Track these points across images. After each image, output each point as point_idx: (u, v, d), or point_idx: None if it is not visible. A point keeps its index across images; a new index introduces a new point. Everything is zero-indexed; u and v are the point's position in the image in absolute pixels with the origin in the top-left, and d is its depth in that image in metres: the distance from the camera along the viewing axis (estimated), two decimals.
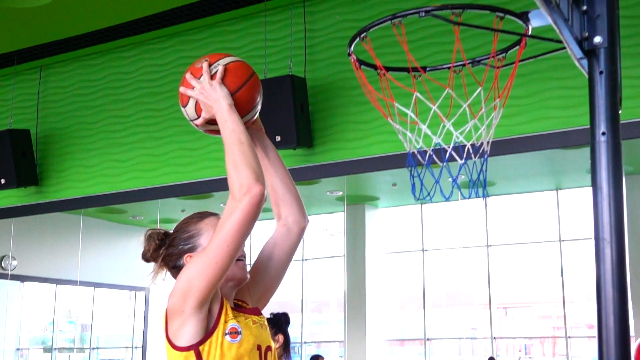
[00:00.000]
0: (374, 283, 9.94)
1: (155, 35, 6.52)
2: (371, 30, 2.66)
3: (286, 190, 2.35)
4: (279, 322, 4.66)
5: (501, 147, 4.81)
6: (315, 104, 5.68)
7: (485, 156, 2.82)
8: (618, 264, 1.91)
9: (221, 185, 6.02)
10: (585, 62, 2.00)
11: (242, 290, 2.27)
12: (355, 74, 2.84)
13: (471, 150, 2.82)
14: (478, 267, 10.22)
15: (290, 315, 4.87)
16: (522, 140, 4.97)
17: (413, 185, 2.83)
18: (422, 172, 2.89)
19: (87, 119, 6.84)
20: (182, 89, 2.21)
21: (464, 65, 2.76)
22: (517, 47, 2.62)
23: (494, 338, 10.31)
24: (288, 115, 5.37)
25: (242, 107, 2.17)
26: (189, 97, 2.20)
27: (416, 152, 2.87)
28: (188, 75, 2.20)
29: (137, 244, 10.63)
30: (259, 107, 2.26)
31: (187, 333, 2.04)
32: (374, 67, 2.79)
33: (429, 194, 2.82)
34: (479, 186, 2.91)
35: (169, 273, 2.23)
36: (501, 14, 2.48)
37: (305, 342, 10.72)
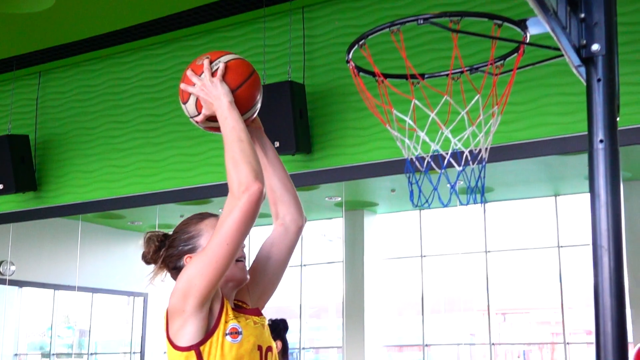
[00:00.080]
0: (372, 289, 9.93)
1: (154, 41, 6.53)
2: (370, 37, 2.67)
3: (284, 190, 2.36)
4: (278, 329, 4.67)
5: (499, 154, 4.82)
6: (314, 109, 5.68)
7: (484, 163, 2.83)
8: (616, 271, 1.91)
9: (220, 190, 6.02)
10: (583, 69, 2.01)
11: (242, 290, 2.27)
12: (354, 81, 2.85)
13: (469, 157, 2.83)
14: (476, 273, 10.21)
15: (288, 321, 4.88)
16: (520, 147, 4.98)
17: (411, 192, 2.84)
18: (420, 179, 2.90)
19: (86, 125, 6.84)
20: (182, 86, 2.22)
21: (462, 72, 2.76)
22: (515, 54, 2.62)
23: (493, 344, 10.30)
24: (287, 121, 5.37)
25: (242, 105, 2.18)
26: (189, 94, 2.22)
27: (414, 159, 2.88)
28: (189, 72, 2.21)
29: (135, 249, 10.57)
30: (258, 105, 2.27)
31: (188, 333, 2.05)
32: (373, 74, 2.80)
33: (427, 201, 2.82)
34: (477, 192, 2.91)
35: (168, 275, 2.24)
36: (499, 22, 2.49)
37: (303, 348, 10.71)
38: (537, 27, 2.33)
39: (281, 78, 5.66)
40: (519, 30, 2.43)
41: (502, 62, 2.69)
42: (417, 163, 2.89)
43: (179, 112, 6.33)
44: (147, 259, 2.23)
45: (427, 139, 2.84)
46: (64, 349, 11.46)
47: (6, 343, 10.31)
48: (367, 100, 2.88)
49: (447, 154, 2.84)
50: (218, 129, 2.20)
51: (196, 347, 2.05)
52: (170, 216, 9.37)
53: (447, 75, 2.76)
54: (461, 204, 2.91)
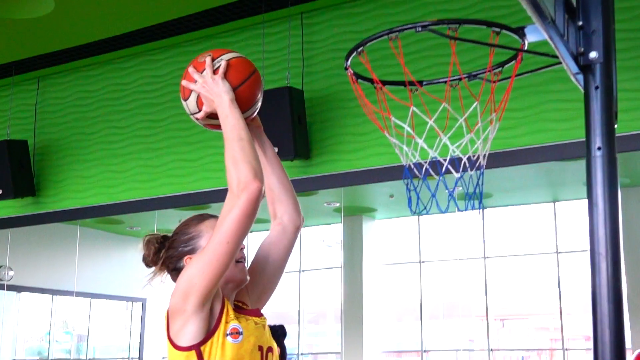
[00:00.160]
0: (371, 294, 9.92)
1: (153, 47, 6.54)
2: (368, 44, 2.68)
3: (282, 189, 2.37)
4: (276, 334, 4.65)
5: (498, 160, 4.83)
6: (313, 115, 5.69)
7: (482, 170, 2.83)
8: (613, 278, 1.92)
9: (219, 196, 6.02)
10: (581, 77, 2.01)
11: (241, 291, 2.28)
12: (352, 88, 2.85)
13: (467, 164, 2.83)
14: (475, 279, 10.20)
15: (287, 326, 4.86)
16: (518, 153, 4.98)
17: (409, 199, 2.84)
18: (418, 186, 2.90)
19: (85, 130, 6.84)
20: (184, 83, 2.23)
21: (460, 79, 2.77)
22: (514, 61, 2.63)
23: (491, 350, 10.30)
24: (285, 126, 5.38)
25: (243, 103, 2.19)
26: (190, 91, 2.23)
27: (412, 166, 2.88)
28: (191, 69, 2.22)
29: (134, 254, 10.56)
30: (259, 104, 2.28)
31: (189, 332, 2.05)
32: (371, 80, 2.80)
33: (425, 208, 2.82)
34: (475, 199, 2.91)
35: (167, 279, 2.24)
36: (497, 29, 2.49)
37: (302, 354, 10.69)
38: (535, 34, 2.34)
39: (280, 84, 5.66)
40: (517, 37, 2.44)
41: (500, 69, 2.69)
42: (415, 170, 2.89)
43: (178, 118, 6.35)
44: (148, 261, 2.24)
45: (425, 146, 2.85)
46: (62, 354, 11.44)
47: (4, 348, 10.29)
48: (365, 107, 2.89)
49: (445, 160, 2.84)
50: (218, 126, 2.21)
51: (197, 347, 2.06)
52: (168, 221, 9.36)
53: (446, 82, 2.77)
54: (459, 210, 2.91)
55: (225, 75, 2.19)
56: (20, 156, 6.74)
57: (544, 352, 11.27)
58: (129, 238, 10.12)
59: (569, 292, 9.89)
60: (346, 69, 2.80)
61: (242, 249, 2.19)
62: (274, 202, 2.37)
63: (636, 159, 7.24)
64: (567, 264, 9.85)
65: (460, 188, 2.91)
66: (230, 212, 2.01)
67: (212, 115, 2.21)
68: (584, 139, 2.01)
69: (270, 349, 2.19)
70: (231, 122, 2.12)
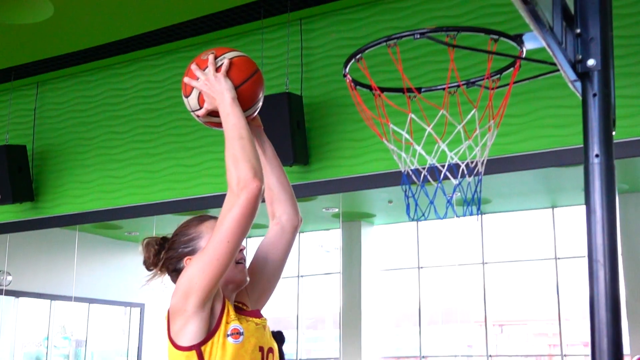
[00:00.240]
0: (369, 300, 9.91)
1: (152, 52, 6.54)
2: (366, 51, 2.68)
3: (281, 188, 2.37)
4: (274, 341, 4.66)
5: (496, 166, 4.83)
6: (312, 121, 5.69)
7: (480, 176, 2.83)
8: (611, 286, 1.91)
9: (217, 202, 6.02)
10: (578, 84, 2.02)
11: (241, 292, 2.28)
12: (351, 95, 2.86)
13: (465, 171, 2.83)
14: (474, 285, 10.20)
15: (285, 332, 4.88)
16: (516, 159, 4.99)
17: (407, 206, 2.84)
18: (416, 192, 2.90)
19: (84, 135, 6.85)
20: (186, 79, 2.23)
21: (458, 86, 2.77)
22: (512, 68, 2.63)
23: (490, 356, 10.28)
24: (284, 132, 5.38)
25: (244, 102, 2.20)
26: (192, 88, 2.23)
27: (410, 172, 2.88)
28: (193, 66, 2.22)
29: (132, 259, 10.62)
30: (260, 104, 2.28)
31: (190, 332, 2.06)
32: (369, 87, 2.81)
33: (423, 214, 2.82)
34: (474, 205, 2.92)
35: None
36: (495, 36, 2.49)
37: (300, 359, 10.68)
38: (534, 42, 2.34)
39: (279, 89, 5.67)
40: (515, 44, 2.44)
41: (498, 76, 2.70)
42: (413, 176, 2.89)
43: (177, 123, 6.36)
44: (149, 263, 2.24)
45: (424, 153, 2.85)
46: (61, 359, 11.42)
47: (2, 353, 10.28)
48: (363, 113, 2.89)
49: (443, 167, 2.85)
50: (218, 124, 2.21)
51: (197, 347, 2.06)
52: (167, 227, 9.35)
53: (444, 88, 2.77)
54: (457, 216, 2.91)
55: (228, 74, 2.19)
56: (19, 161, 6.74)
57: (543, 358, 11.26)
58: (128, 243, 10.11)
59: (568, 298, 9.89)
60: (345, 75, 2.80)
61: (241, 250, 2.19)
62: (273, 202, 2.38)
63: (634, 165, 7.25)
64: (566, 269, 9.85)
65: (459, 194, 2.91)
66: (230, 211, 2.01)
67: (213, 113, 2.22)
68: (582, 145, 2.01)
69: (270, 350, 2.19)
70: (232, 120, 2.12)
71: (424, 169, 2.89)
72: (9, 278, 9.57)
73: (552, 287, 9.92)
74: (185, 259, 2.18)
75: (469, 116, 2.78)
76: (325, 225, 10.03)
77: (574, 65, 1.98)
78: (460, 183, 2.82)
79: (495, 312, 10.51)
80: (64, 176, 6.87)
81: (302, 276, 10.47)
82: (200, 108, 2.23)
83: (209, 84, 2.18)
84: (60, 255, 9.92)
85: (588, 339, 1.94)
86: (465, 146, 2.83)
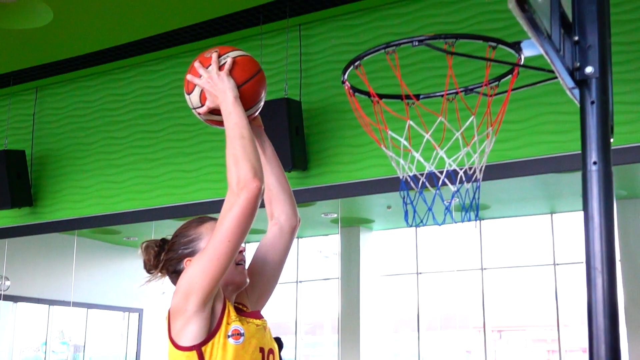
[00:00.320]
0: (368, 305, 9.90)
1: (151, 58, 6.55)
2: (365, 58, 2.69)
3: (280, 188, 2.38)
4: None
5: (495, 172, 4.84)
6: (310, 127, 5.70)
7: (478, 183, 2.83)
8: (609, 293, 1.91)
9: (216, 207, 6.01)
10: (576, 91, 2.02)
11: (241, 293, 2.29)
12: (349, 101, 2.86)
13: (464, 177, 2.84)
14: (473, 290, 10.20)
15: (284, 337, 4.87)
16: (515, 165, 4.99)
17: (406, 212, 2.84)
18: (414, 199, 2.91)
19: (83, 140, 6.85)
20: (189, 77, 2.24)
21: (457, 93, 2.78)
22: (510, 75, 2.64)
23: None
24: (283, 137, 5.38)
25: (246, 101, 2.20)
26: (194, 85, 2.23)
27: (409, 179, 2.88)
28: (196, 64, 2.23)
29: (131, 265, 10.62)
30: (262, 103, 2.29)
31: (190, 332, 2.06)
32: (368, 94, 2.81)
33: (422, 221, 2.83)
34: (472, 211, 2.92)
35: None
36: (494, 44, 2.50)
37: None
38: (532, 49, 2.34)
39: (278, 95, 5.67)
40: (513, 52, 2.45)
41: (496, 83, 2.70)
42: (411, 183, 2.90)
43: (176, 129, 6.36)
44: (150, 266, 2.25)
45: (422, 159, 2.85)
46: None
47: (1, 358, 10.27)
48: (362, 119, 2.90)
49: (441, 174, 2.85)
50: (219, 122, 2.22)
51: (198, 348, 2.06)
52: (166, 232, 9.33)
53: (442, 95, 2.77)
54: (454, 222, 2.91)
55: (231, 72, 2.20)
56: (17, 166, 6.74)
57: None
58: (126, 248, 10.10)
59: (566, 304, 9.89)
60: (343, 82, 2.81)
61: (241, 251, 2.20)
62: (272, 202, 2.39)
63: (633, 171, 7.26)
64: (565, 275, 9.85)
65: (458, 200, 2.91)
66: (230, 210, 2.02)
67: (215, 111, 2.22)
68: (580, 152, 2.01)
69: (271, 351, 2.20)
70: (234, 119, 2.12)
71: (422, 175, 2.89)
72: (8, 283, 9.56)
73: (551, 293, 9.92)
74: (185, 260, 2.18)
75: (467, 123, 2.78)
76: (324, 230, 10.03)
77: (572, 73, 1.98)
78: (458, 190, 2.83)
79: (494, 318, 10.50)
80: (63, 181, 6.87)
81: (300, 281, 10.47)
82: (202, 106, 2.23)
83: (212, 82, 2.19)
84: (58, 261, 9.92)
85: (586, 345, 1.94)
86: (463, 153, 2.83)
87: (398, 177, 3.02)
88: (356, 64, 2.69)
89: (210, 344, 2.06)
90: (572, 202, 9.20)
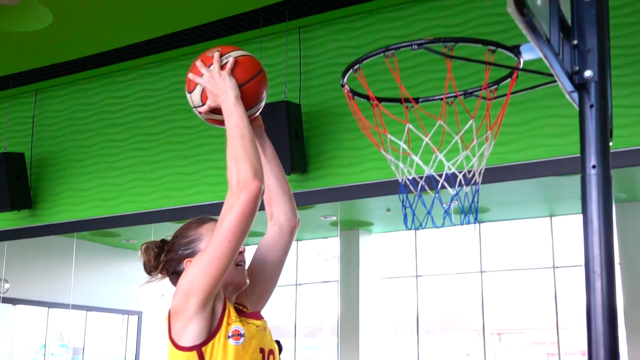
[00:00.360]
0: (367, 308, 9.90)
1: (150, 60, 6.55)
2: (364, 62, 2.69)
3: (280, 188, 2.38)
4: None
5: (494, 175, 4.84)
6: (310, 129, 5.70)
7: (477, 187, 2.83)
8: (608, 297, 1.91)
9: (215, 210, 6.01)
10: (575, 95, 2.02)
11: (241, 294, 2.29)
12: (349, 105, 2.86)
13: (463, 181, 2.84)
14: (472, 293, 10.19)
15: (283, 340, 4.87)
16: (515, 168, 4.99)
17: (405, 216, 2.84)
18: (414, 202, 2.91)
19: (82, 143, 6.85)
20: (190, 75, 2.24)
21: (456, 96, 2.78)
22: (509, 79, 2.64)
23: None
24: (283, 140, 5.38)
25: (248, 101, 2.21)
26: (196, 84, 2.24)
27: (408, 183, 2.88)
28: (198, 63, 2.23)
29: (130, 267, 10.61)
30: (263, 103, 2.30)
31: (191, 333, 2.06)
32: (367, 97, 2.81)
33: (421, 224, 2.83)
34: (471, 214, 2.92)
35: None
36: (493, 48, 2.50)
37: None
38: (531, 52, 2.35)
39: (277, 98, 5.67)
40: (512, 55, 2.45)
41: (496, 86, 2.70)
42: (410, 186, 2.90)
43: (175, 131, 6.36)
44: (150, 267, 2.25)
45: (421, 163, 2.85)
46: None
47: None
48: (361, 122, 2.90)
49: (440, 177, 2.85)
50: (219, 122, 2.22)
51: (198, 348, 2.06)
52: (165, 235, 9.33)
53: (441, 99, 2.77)
54: (453, 225, 2.92)
55: (232, 72, 2.20)
56: (17, 169, 6.74)
57: None
58: (126, 251, 10.10)
59: (566, 307, 9.88)
60: (342, 86, 2.81)
61: (241, 252, 2.20)
62: (271, 203, 2.39)
63: (632, 174, 7.26)
64: (564, 278, 9.85)
65: (457, 202, 2.91)
66: (231, 210, 2.02)
67: (216, 111, 2.23)
68: (579, 155, 2.02)
69: (271, 352, 2.20)
70: (235, 119, 2.13)
71: (421, 178, 2.89)
72: (7, 285, 9.55)
73: (550, 295, 9.92)
74: (185, 261, 2.18)
75: (466, 127, 2.78)
76: (323, 233, 10.03)
77: (571, 77, 1.98)
78: (457, 193, 2.83)
79: (494, 321, 10.50)
80: (62, 184, 6.87)
81: (300, 284, 10.46)
82: (203, 105, 2.24)
83: (213, 81, 2.19)
84: (58, 263, 9.91)
85: (586, 349, 1.94)
86: (462, 156, 2.83)
87: (397, 180, 3.02)
88: (355, 67, 2.69)
89: (210, 344, 2.07)
90: (572, 205, 9.20)
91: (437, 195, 2.81)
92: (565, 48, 2.00)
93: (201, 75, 2.22)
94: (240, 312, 2.21)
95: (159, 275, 2.26)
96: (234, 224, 2.01)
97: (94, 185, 6.69)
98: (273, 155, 2.40)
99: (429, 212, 2.82)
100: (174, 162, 6.29)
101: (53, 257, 9.87)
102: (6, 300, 9.71)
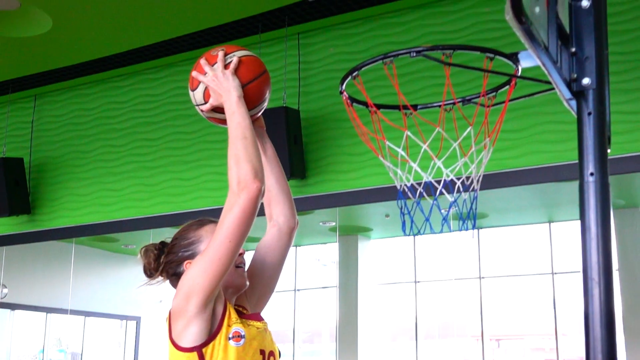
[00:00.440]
0: (366, 314, 9.90)
1: (149, 66, 6.56)
2: (363, 69, 2.70)
3: (279, 189, 2.38)
4: None
5: (493, 181, 4.84)
6: (309, 135, 5.70)
7: (475, 193, 2.84)
8: (606, 304, 1.92)
9: (214, 215, 6.01)
10: (573, 102, 2.02)
11: (240, 296, 2.29)
12: (347, 112, 2.87)
13: (461, 188, 2.84)
14: (470, 299, 10.19)
15: (282, 345, 4.85)
16: (513, 174, 5.00)
17: (403, 223, 2.84)
18: (412, 209, 2.91)
19: (81, 148, 6.85)
20: (194, 73, 2.25)
21: (454, 103, 2.78)
22: (507, 86, 2.64)
23: None
24: (282, 146, 5.39)
25: (250, 100, 2.21)
26: (199, 82, 2.24)
27: (406, 189, 2.89)
28: (202, 61, 2.24)
29: (129, 272, 10.60)
30: (265, 104, 2.30)
31: (191, 334, 2.06)
32: (366, 104, 2.82)
33: (419, 231, 2.83)
34: (469, 220, 2.92)
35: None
36: (491, 55, 2.51)
37: None
38: (529, 60, 2.35)
39: (276, 103, 5.68)
40: (511, 63, 2.45)
41: (494, 94, 2.70)
42: (409, 193, 2.90)
43: (174, 137, 6.36)
44: (150, 269, 2.25)
45: (420, 170, 2.86)
46: None
47: None
48: (359, 129, 2.90)
49: (439, 182, 2.86)
50: (221, 120, 2.23)
51: (199, 349, 2.06)
52: None
53: (440, 106, 2.78)
54: (451, 231, 2.92)
55: (236, 72, 2.20)
56: (16, 174, 6.74)
57: None
58: (124, 256, 10.08)
59: (565, 313, 9.88)
60: (341, 93, 2.81)
61: (241, 254, 2.20)
62: (271, 203, 2.39)
63: (631, 180, 7.26)
64: (563, 284, 9.85)
65: (456, 208, 2.92)
66: (231, 211, 2.03)
67: (218, 109, 2.23)
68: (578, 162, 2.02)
69: (272, 353, 2.20)
70: (237, 119, 2.13)
71: (419, 185, 2.90)
72: (5, 291, 9.54)
73: (549, 301, 9.92)
74: (185, 262, 2.19)
75: (465, 134, 2.79)
76: (322, 239, 10.03)
77: (569, 84, 1.99)
78: (455, 200, 2.83)
79: (492, 327, 10.49)
80: (61, 189, 6.86)
81: (298, 290, 10.45)
82: (205, 103, 2.24)
83: (217, 80, 2.19)
84: (56, 268, 9.91)
85: (584, 355, 1.94)
86: (460, 163, 2.84)
87: (396, 186, 3.02)
88: (354, 74, 2.70)
89: (211, 345, 2.07)
90: (571, 211, 9.20)
91: (435, 202, 2.82)
92: (563, 55, 2.01)
93: (205, 73, 2.22)
94: (241, 314, 2.21)
95: (159, 277, 2.26)
96: (234, 225, 2.01)
97: (93, 190, 6.69)
98: (273, 155, 2.41)
99: (427, 219, 2.82)
100: (173, 167, 6.29)
101: (52, 262, 9.86)
102: (4, 305, 9.71)
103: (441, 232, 2.91)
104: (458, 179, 2.92)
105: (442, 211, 2.92)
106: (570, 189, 7.73)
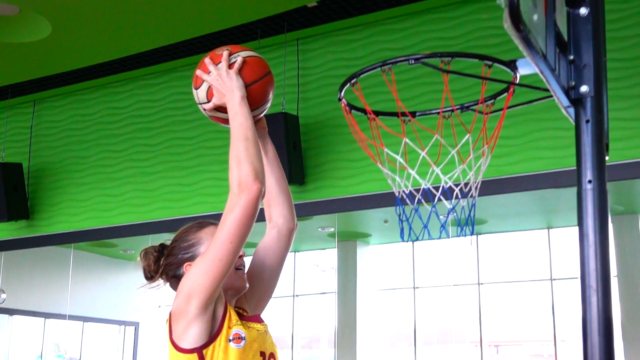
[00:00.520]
0: (365, 320, 9.89)
1: (148, 72, 6.56)
2: (362, 76, 2.70)
3: (280, 190, 2.38)
4: None
5: (491, 187, 4.84)
6: (308, 141, 5.70)
7: (474, 201, 2.84)
8: (604, 311, 1.92)
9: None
10: (572, 110, 2.02)
11: (240, 298, 2.28)
12: (346, 119, 2.87)
13: (459, 194, 2.84)
14: (469, 305, 10.19)
15: (280, 351, 4.85)
16: (512, 181, 5.00)
17: (402, 230, 2.85)
18: (410, 216, 2.91)
19: (80, 154, 6.85)
20: (198, 72, 2.25)
21: (452, 111, 2.79)
22: (506, 93, 2.64)
23: None
24: (280, 152, 5.36)
25: (254, 101, 2.20)
26: (202, 80, 2.23)
27: (405, 196, 2.89)
28: (207, 60, 2.23)
29: (127, 278, 10.59)
30: (269, 105, 2.29)
31: (192, 335, 2.06)
32: (364, 111, 2.82)
33: (417, 238, 2.83)
34: (468, 227, 2.92)
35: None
36: (489, 62, 2.51)
37: None
38: (527, 67, 2.35)
39: (275, 109, 5.68)
40: (509, 70, 2.46)
41: (492, 101, 2.71)
42: (407, 200, 2.90)
43: (173, 142, 6.36)
44: (150, 272, 2.24)
45: (418, 177, 2.86)
46: None
47: None
48: (358, 136, 2.90)
49: (437, 189, 2.86)
50: (223, 120, 2.22)
51: (199, 350, 2.06)
52: None
53: (438, 113, 2.78)
54: (449, 237, 2.92)
55: (240, 72, 2.20)
56: (14, 179, 6.74)
57: None
58: (123, 262, 10.08)
59: (563, 319, 9.88)
60: (340, 100, 2.81)
61: (241, 256, 2.20)
62: (271, 205, 2.39)
63: (629, 187, 7.28)
64: (561, 290, 9.85)
65: (454, 215, 2.92)
66: (232, 212, 2.02)
67: (220, 109, 2.22)
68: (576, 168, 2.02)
69: (272, 355, 2.19)
70: (239, 119, 2.13)
71: (417, 191, 2.90)
72: (3, 296, 9.54)
73: (548, 307, 9.92)
74: (185, 264, 2.18)
75: (463, 141, 2.79)
76: (320, 244, 10.03)
77: (567, 92, 1.99)
78: (454, 207, 2.83)
79: (491, 333, 10.49)
80: (60, 194, 6.86)
81: (297, 295, 10.45)
82: (208, 102, 2.23)
83: (220, 80, 2.19)
84: (54, 273, 9.90)
85: None
86: (459, 171, 2.84)
87: (394, 193, 3.02)
88: (352, 81, 2.70)
89: (211, 347, 2.06)
90: (570, 217, 9.21)
91: (433, 208, 2.82)
92: (562, 63, 2.01)
93: (209, 72, 2.22)
94: (242, 316, 2.21)
95: (159, 280, 2.26)
96: (235, 226, 2.01)
97: (92, 195, 6.68)
98: (274, 157, 2.41)
99: (425, 226, 2.82)
100: (172, 173, 6.29)
101: (50, 267, 9.86)
102: (3, 310, 9.70)
103: (439, 238, 2.91)
104: (456, 185, 2.92)
105: (441, 217, 2.92)
106: (569, 195, 7.74)
